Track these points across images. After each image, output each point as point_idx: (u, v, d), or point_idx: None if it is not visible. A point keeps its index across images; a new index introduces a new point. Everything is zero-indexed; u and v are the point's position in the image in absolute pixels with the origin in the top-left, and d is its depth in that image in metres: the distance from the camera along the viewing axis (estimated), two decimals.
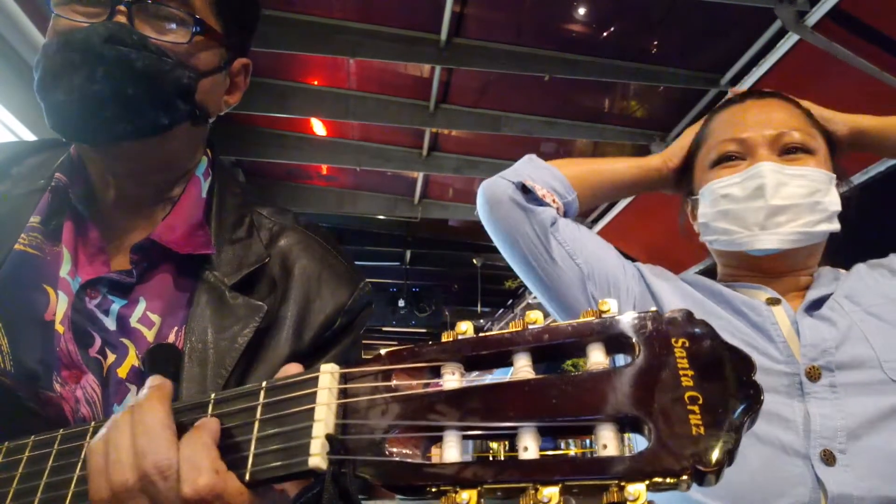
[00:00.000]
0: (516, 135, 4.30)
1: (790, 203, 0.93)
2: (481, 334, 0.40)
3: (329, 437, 0.41)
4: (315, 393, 0.43)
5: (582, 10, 3.47)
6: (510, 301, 11.43)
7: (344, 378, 0.43)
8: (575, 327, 0.38)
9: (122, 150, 0.74)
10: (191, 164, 0.83)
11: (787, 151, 0.97)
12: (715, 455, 0.32)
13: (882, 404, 0.82)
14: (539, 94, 4.07)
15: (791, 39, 2.98)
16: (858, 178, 3.40)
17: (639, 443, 0.35)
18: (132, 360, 0.71)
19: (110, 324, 0.73)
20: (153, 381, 0.50)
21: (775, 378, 0.87)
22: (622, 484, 0.33)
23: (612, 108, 4.30)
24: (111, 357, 0.71)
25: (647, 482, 0.32)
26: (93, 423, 0.55)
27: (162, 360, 0.67)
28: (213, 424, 0.46)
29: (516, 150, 4.91)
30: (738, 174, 0.97)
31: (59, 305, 0.72)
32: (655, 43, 3.57)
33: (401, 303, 10.95)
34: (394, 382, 0.41)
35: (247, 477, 0.44)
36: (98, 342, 0.71)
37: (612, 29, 3.54)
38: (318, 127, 4.64)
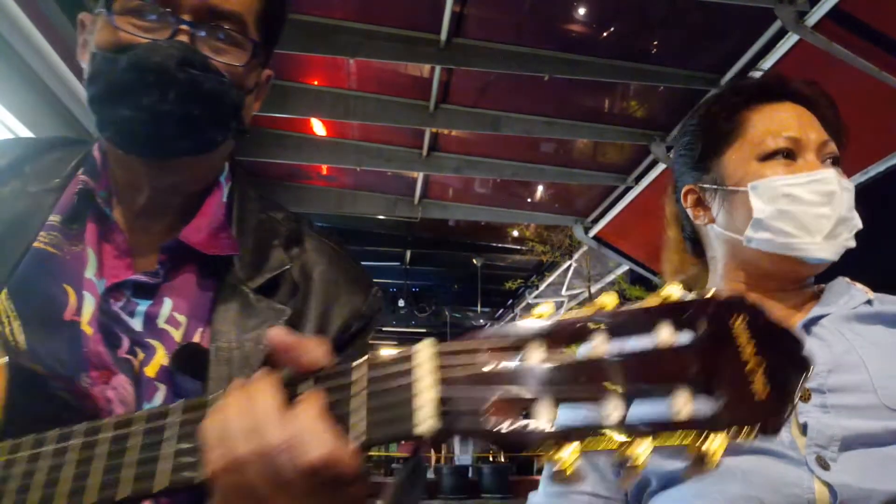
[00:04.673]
0: (516, 135, 4.30)
1: (846, 215, 0.92)
2: (559, 316, 0.46)
3: (435, 404, 0.45)
4: (416, 366, 0.47)
5: (582, 10, 3.47)
6: (510, 301, 11.43)
7: (440, 354, 0.47)
8: (646, 309, 0.44)
9: (174, 164, 0.77)
10: (221, 172, 0.85)
11: (830, 162, 0.96)
12: (776, 411, 0.39)
13: (875, 427, 0.82)
14: (539, 94, 4.08)
15: (791, 39, 2.98)
16: (858, 178, 3.40)
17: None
18: (161, 359, 0.72)
19: (136, 324, 0.73)
20: (262, 371, 0.53)
21: None
22: (705, 434, 0.39)
23: (612, 108, 4.31)
24: (141, 355, 0.72)
25: (725, 431, 0.39)
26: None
27: (189, 359, 0.69)
28: (321, 395, 0.49)
29: (516, 150, 4.94)
30: (803, 175, 0.93)
31: (86, 306, 0.72)
32: (655, 43, 3.57)
33: (401, 303, 10.95)
34: (484, 357, 0.45)
35: (355, 444, 0.47)
36: (126, 343, 0.72)
37: (612, 29, 3.55)
38: (318, 127, 4.65)
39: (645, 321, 0.43)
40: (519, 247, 8.74)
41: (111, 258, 0.77)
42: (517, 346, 0.45)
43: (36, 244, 0.74)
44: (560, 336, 0.44)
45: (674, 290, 0.44)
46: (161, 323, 0.74)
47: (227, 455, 0.47)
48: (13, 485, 0.54)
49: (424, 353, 0.47)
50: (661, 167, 4.30)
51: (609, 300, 0.45)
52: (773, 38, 3.11)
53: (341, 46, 3.48)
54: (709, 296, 0.43)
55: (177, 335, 0.74)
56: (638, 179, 4.70)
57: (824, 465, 0.80)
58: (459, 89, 4.06)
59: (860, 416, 0.83)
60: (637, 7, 3.38)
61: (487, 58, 3.57)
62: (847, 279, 1.01)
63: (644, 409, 0.41)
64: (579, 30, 3.58)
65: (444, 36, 3.41)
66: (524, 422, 0.42)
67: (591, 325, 0.44)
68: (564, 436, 0.41)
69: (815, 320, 0.93)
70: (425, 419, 0.44)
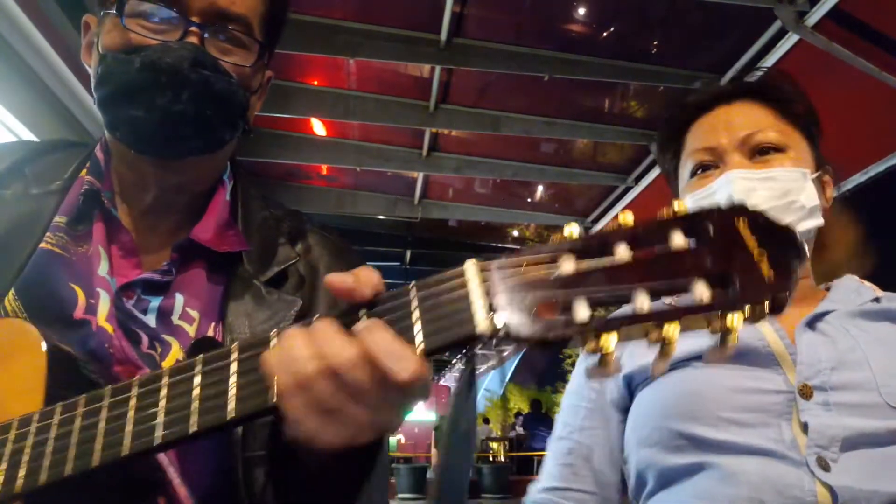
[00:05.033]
0: (516, 135, 4.30)
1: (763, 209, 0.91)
2: (586, 233, 0.52)
3: (488, 309, 0.49)
4: (466, 280, 0.52)
5: (582, 10, 3.47)
6: None
7: (485, 269, 0.52)
8: (658, 221, 0.50)
9: (182, 163, 0.78)
10: (224, 171, 0.87)
11: (760, 152, 0.95)
12: (782, 288, 0.45)
13: (877, 426, 0.81)
14: (539, 94, 4.08)
15: (791, 39, 2.98)
16: (858, 178, 3.40)
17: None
18: (176, 354, 0.73)
19: (150, 321, 0.75)
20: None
21: (768, 396, 0.86)
22: (724, 313, 0.45)
23: (612, 108, 4.31)
24: (159, 349, 0.74)
25: (740, 311, 0.45)
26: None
27: (205, 353, 0.70)
28: (379, 317, 0.52)
29: (516, 150, 4.93)
30: (706, 188, 0.95)
31: (102, 304, 0.73)
32: (655, 43, 3.57)
33: None
34: (524, 269, 0.51)
35: (420, 351, 0.51)
36: (145, 339, 0.73)
37: (612, 29, 3.55)
38: (318, 127, 4.65)
39: (661, 230, 0.49)
40: (519, 247, 8.73)
41: (118, 258, 0.78)
42: (552, 258, 0.51)
43: (42, 245, 0.75)
44: (588, 248, 0.50)
45: (684, 204, 0.50)
46: (175, 319, 0.75)
47: (294, 376, 0.49)
48: (75, 437, 0.56)
49: (471, 269, 0.52)
50: None
51: (628, 217, 0.50)
52: (773, 38, 3.11)
53: (341, 46, 3.47)
54: (715, 204, 0.49)
55: (191, 330, 0.75)
56: (638, 179, 4.70)
57: (825, 467, 0.80)
58: (459, 89, 4.05)
59: (862, 414, 0.83)
60: (637, 7, 3.38)
61: (487, 58, 3.57)
62: (856, 277, 1.01)
63: (669, 301, 0.46)
64: (579, 30, 3.58)
65: (444, 36, 3.41)
66: (565, 318, 0.48)
67: (614, 237, 0.49)
68: (602, 326, 0.47)
69: (820, 316, 0.93)
70: (482, 320, 0.49)
